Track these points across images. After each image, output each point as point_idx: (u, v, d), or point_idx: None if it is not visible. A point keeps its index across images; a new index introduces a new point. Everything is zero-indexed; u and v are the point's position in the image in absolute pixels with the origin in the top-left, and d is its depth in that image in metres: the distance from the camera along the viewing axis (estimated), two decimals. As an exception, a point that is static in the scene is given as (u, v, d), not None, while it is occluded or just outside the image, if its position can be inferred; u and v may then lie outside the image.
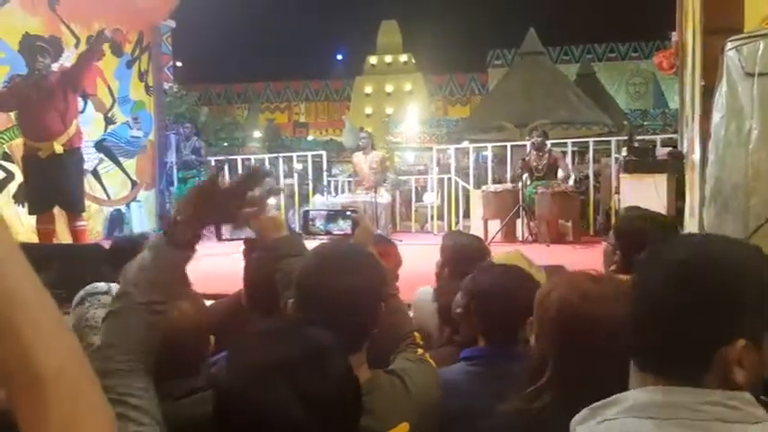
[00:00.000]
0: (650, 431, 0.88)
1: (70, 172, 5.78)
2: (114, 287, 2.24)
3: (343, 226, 1.79)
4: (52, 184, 5.58)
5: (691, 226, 5.23)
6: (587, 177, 9.30)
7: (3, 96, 5.89)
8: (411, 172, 13.09)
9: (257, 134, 19.50)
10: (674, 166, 6.97)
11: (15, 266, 0.69)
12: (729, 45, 3.68)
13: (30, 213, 5.85)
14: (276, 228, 1.81)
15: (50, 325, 0.69)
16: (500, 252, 2.33)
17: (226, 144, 16.10)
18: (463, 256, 2.68)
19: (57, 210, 5.94)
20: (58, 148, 5.61)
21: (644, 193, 6.63)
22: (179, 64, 11.65)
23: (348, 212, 1.81)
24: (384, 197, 8.29)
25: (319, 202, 8.43)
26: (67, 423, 0.66)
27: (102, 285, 2.27)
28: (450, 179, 9.69)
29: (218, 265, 4.97)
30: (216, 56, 16.82)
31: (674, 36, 8.30)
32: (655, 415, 0.89)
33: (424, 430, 1.42)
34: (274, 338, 1.06)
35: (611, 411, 0.92)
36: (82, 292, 2.26)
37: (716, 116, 3.76)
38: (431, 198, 10.31)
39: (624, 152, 7.56)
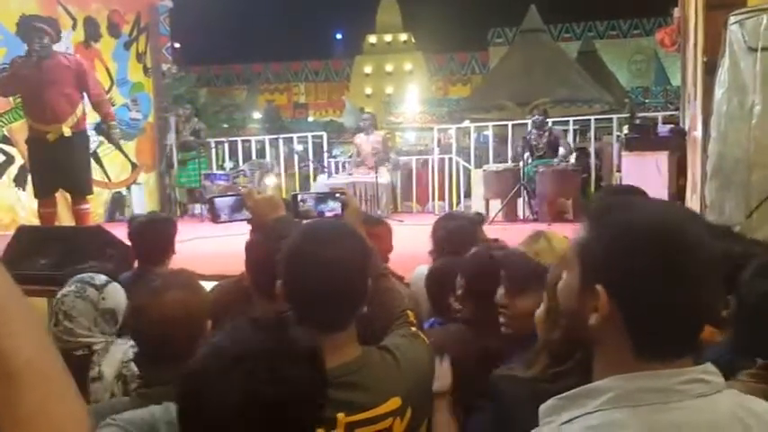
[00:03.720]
0: (633, 421, 0.85)
1: (79, 154, 5.75)
2: (112, 290, 2.23)
3: (333, 206, 1.81)
4: (60, 167, 5.54)
5: (692, 202, 5.22)
6: (588, 155, 9.27)
7: (3, 81, 5.81)
8: (412, 152, 13.04)
9: (257, 115, 19.43)
10: (676, 143, 6.94)
11: None
12: (732, 19, 3.64)
13: (36, 197, 5.83)
14: (273, 208, 1.81)
15: (20, 319, 0.71)
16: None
17: (225, 126, 16.05)
18: (454, 241, 2.65)
19: (58, 192, 5.92)
20: (67, 131, 5.58)
21: (645, 170, 6.61)
22: (177, 45, 11.57)
23: (337, 195, 1.83)
24: (385, 177, 8.27)
25: (322, 183, 8.41)
26: (37, 410, 0.68)
27: (100, 279, 2.25)
28: (451, 159, 9.67)
29: (218, 247, 4.99)
30: (214, 37, 16.71)
31: (677, 12, 8.22)
32: (636, 403, 0.86)
33: (417, 405, 1.43)
34: (240, 329, 1.05)
35: (590, 404, 0.88)
36: (79, 276, 2.25)
37: (718, 92, 3.74)
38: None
39: (626, 129, 7.53)
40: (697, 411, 0.86)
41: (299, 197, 1.87)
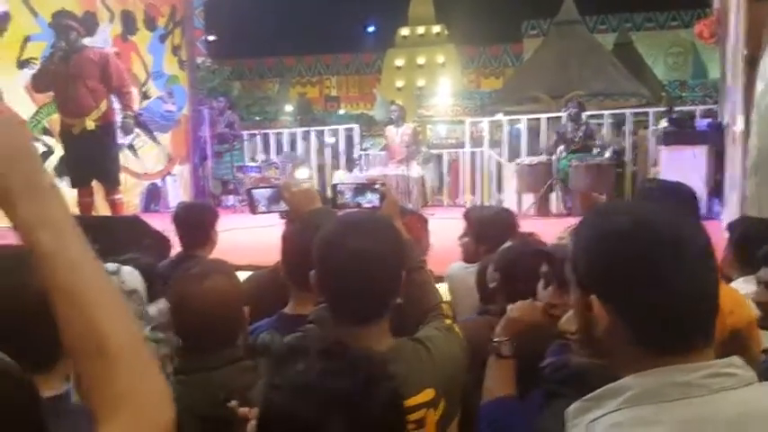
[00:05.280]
0: (662, 416, 0.84)
1: (104, 147, 5.87)
2: (126, 271, 2.27)
3: (371, 198, 1.81)
4: (88, 158, 5.69)
5: (731, 198, 5.11)
6: (624, 150, 9.13)
7: (37, 78, 5.98)
8: (443, 145, 12.97)
9: (289, 108, 19.51)
10: (714, 138, 6.80)
11: (77, 241, 0.72)
12: (776, 11, 3.55)
13: (71, 187, 5.98)
14: (309, 200, 1.83)
15: (111, 297, 0.72)
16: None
17: (258, 118, 16.16)
18: (494, 230, 2.67)
19: (95, 183, 6.05)
20: (90, 125, 5.70)
21: (683, 164, 6.50)
22: (211, 38, 11.68)
23: (376, 186, 1.83)
24: (416, 171, 8.26)
25: (347, 178, 8.43)
26: (130, 396, 0.68)
27: (111, 266, 2.29)
28: (482, 152, 9.60)
29: (253, 238, 5.04)
30: (247, 30, 16.82)
31: (716, 3, 8.03)
32: (659, 399, 0.86)
33: (449, 397, 1.42)
34: (322, 360, 1.03)
35: (612, 403, 0.88)
36: None
37: (759, 86, 3.65)
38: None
39: (663, 123, 7.39)
40: (725, 405, 0.85)
41: (338, 188, 1.87)
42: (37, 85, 6.14)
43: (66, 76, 5.64)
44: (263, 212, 2.00)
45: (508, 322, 1.67)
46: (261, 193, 1.99)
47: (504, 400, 1.54)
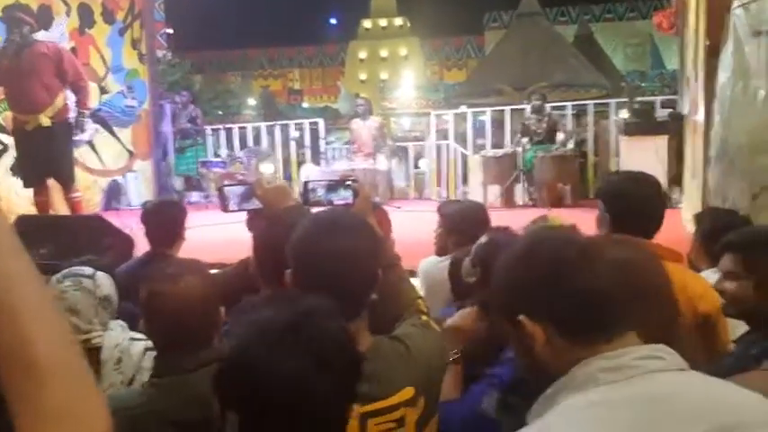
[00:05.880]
0: (596, 400, 0.93)
1: (59, 144, 5.67)
2: (101, 276, 2.21)
3: (344, 195, 1.78)
4: (42, 156, 5.51)
5: (692, 187, 5.22)
6: (585, 140, 9.25)
7: None
8: (407, 138, 12.99)
9: (252, 102, 19.31)
10: (675, 128, 6.93)
11: (9, 248, 0.68)
12: (736, 3, 3.61)
13: (24, 187, 5.80)
14: (284, 198, 1.79)
15: (44, 309, 0.69)
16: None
17: (220, 113, 15.95)
18: (467, 223, 2.67)
19: (52, 181, 5.88)
20: (45, 121, 5.51)
21: (644, 154, 6.61)
22: (170, 31, 11.44)
23: (348, 182, 1.80)
24: (382, 164, 8.24)
25: (314, 173, 8.35)
26: (62, 413, 0.65)
27: (87, 269, 2.23)
28: (447, 145, 9.63)
29: (219, 235, 4.97)
30: (208, 22, 16.56)
31: (675, -6, 8.17)
32: (598, 383, 0.96)
33: (429, 395, 1.41)
34: (273, 305, 1.08)
35: (561, 396, 0.98)
36: (65, 270, 2.22)
37: (722, 76, 3.71)
38: (427, 165, 10.26)
39: (625, 114, 7.51)
40: (654, 384, 0.94)
41: (310, 185, 1.84)
42: None
43: (20, 71, 5.45)
44: (235, 210, 1.95)
45: (449, 331, 1.75)
46: (232, 191, 1.94)
47: (448, 403, 1.60)
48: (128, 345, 2.07)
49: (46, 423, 0.65)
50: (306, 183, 1.87)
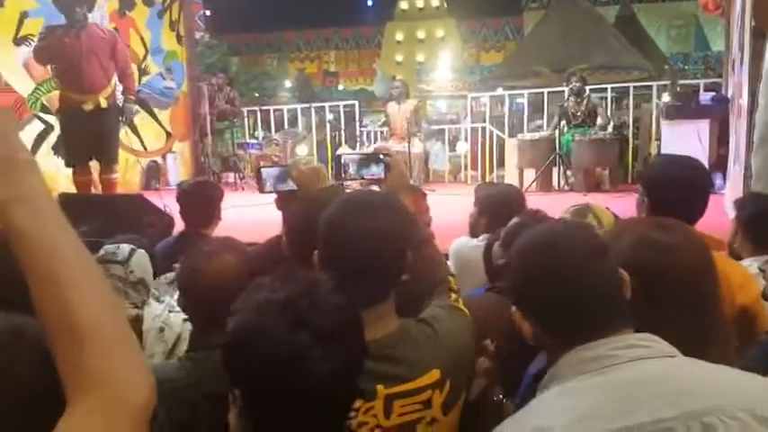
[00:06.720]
0: (573, 387, 0.98)
1: (112, 125, 5.85)
2: (137, 259, 2.25)
3: (375, 170, 1.75)
4: (94, 136, 5.64)
5: (735, 172, 5.08)
6: (625, 124, 9.06)
7: (42, 50, 5.85)
8: (443, 121, 12.91)
9: (288, 84, 19.38)
10: (718, 112, 6.75)
11: (54, 219, 0.70)
12: (785, -18, 3.48)
13: (66, 166, 5.93)
14: (319, 179, 1.80)
15: (88, 278, 0.71)
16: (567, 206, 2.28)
17: (256, 94, 16.04)
18: (501, 206, 2.66)
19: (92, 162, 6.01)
20: (103, 102, 5.67)
21: (685, 139, 6.45)
22: (208, 13, 11.53)
23: (381, 156, 1.77)
24: (417, 147, 8.21)
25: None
26: (104, 378, 0.67)
27: (123, 250, 2.26)
28: (484, 128, 9.54)
29: (256, 215, 5.03)
30: (245, 4, 16.60)
31: (722, -26, 7.91)
32: (578, 373, 1.01)
33: (456, 377, 1.41)
34: (274, 282, 1.10)
35: (552, 384, 1.05)
36: (99, 255, 2.27)
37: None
38: (464, 147, 10.18)
39: (666, 97, 7.33)
40: (638, 370, 0.97)
41: (342, 160, 1.82)
42: (41, 56, 5.99)
43: (80, 52, 5.55)
44: (270, 192, 1.98)
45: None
46: (269, 173, 1.97)
47: None
48: (167, 316, 2.13)
49: (89, 387, 0.67)
50: (338, 157, 1.87)
